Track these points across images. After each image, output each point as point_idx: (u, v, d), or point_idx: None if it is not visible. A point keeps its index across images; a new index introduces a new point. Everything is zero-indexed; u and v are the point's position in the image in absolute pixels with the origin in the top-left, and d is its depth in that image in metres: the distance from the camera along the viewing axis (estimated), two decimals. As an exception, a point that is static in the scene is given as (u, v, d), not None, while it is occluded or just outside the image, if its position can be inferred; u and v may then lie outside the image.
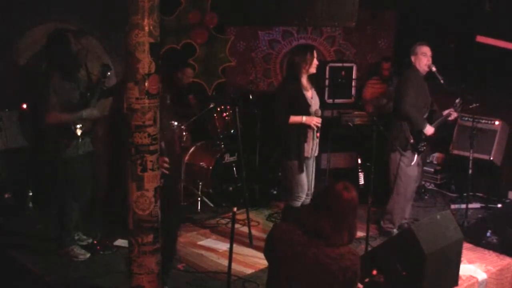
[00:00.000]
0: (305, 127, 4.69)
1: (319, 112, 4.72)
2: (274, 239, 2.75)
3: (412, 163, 5.18)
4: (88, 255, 4.67)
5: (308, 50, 4.77)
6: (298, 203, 4.76)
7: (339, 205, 2.65)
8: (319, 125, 4.69)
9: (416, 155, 5.17)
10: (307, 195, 4.85)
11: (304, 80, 4.74)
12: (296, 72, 4.71)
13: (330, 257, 2.59)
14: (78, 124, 4.43)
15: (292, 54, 4.85)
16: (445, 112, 5.33)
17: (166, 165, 3.79)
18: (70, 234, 4.68)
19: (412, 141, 5.12)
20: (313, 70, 4.73)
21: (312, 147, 4.77)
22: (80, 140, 4.48)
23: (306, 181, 4.79)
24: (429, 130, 5.14)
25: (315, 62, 4.73)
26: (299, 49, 4.96)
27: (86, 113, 4.47)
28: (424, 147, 5.22)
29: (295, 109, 4.67)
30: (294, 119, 4.65)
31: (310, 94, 4.76)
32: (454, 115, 5.36)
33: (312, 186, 4.94)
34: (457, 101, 5.35)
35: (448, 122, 5.51)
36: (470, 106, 5.37)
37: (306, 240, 2.63)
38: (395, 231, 5.33)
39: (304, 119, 4.65)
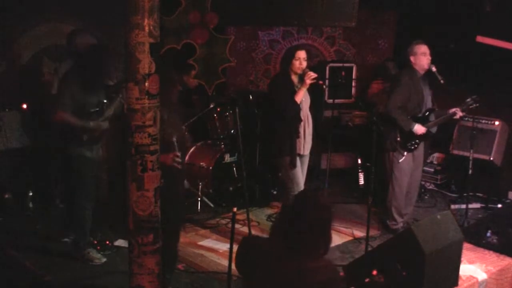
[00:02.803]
0: (297, 123, 4.72)
1: (308, 70, 4.75)
2: (244, 253, 2.62)
3: (400, 160, 5.21)
4: (104, 259, 4.65)
5: (289, 52, 4.85)
6: None
7: (314, 215, 2.47)
8: (315, 75, 4.70)
9: (405, 152, 5.20)
10: None
11: (295, 80, 4.81)
12: (285, 71, 4.80)
13: (307, 271, 2.43)
14: (85, 131, 4.45)
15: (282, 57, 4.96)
16: (451, 110, 5.32)
17: (178, 159, 3.79)
18: (85, 236, 4.65)
19: (398, 139, 5.16)
20: (296, 70, 4.77)
21: (304, 144, 4.80)
22: (85, 145, 4.49)
23: (302, 178, 4.81)
24: (418, 129, 5.14)
25: (297, 64, 4.74)
26: (285, 52, 5.08)
27: (93, 124, 4.48)
28: (416, 145, 5.24)
29: None
30: (298, 96, 4.69)
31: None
32: (459, 114, 5.33)
33: (303, 184, 4.96)
34: (468, 100, 5.32)
35: (452, 121, 5.51)
36: (470, 106, 5.37)
37: (280, 253, 2.47)
38: (400, 228, 5.35)
39: (303, 84, 4.69)
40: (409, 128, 5.13)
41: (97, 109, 4.50)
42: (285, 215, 2.61)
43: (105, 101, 4.54)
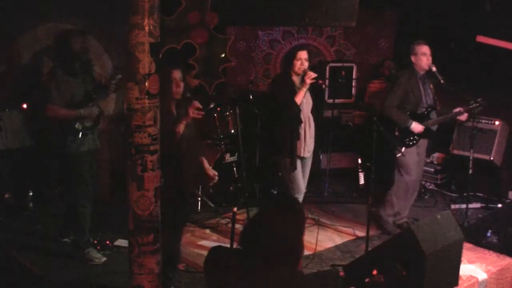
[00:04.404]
0: (298, 124, 4.70)
1: (308, 70, 4.73)
2: (212, 263, 2.49)
3: (398, 155, 5.21)
4: (104, 259, 4.65)
5: (290, 52, 4.82)
6: None
7: (282, 224, 2.34)
8: (315, 75, 4.67)
9: (403, 148, 5.22)
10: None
11: (297, 80, 4.78)
12: (286, 72, 4.78)
13: (275, 281, 2.30)
14: (78, 121, 4.47)
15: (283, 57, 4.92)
16: (456, 110, 5.32)
17: (198, 105, 3.81)
18: (85, 236, 4.66)
19: (396, 133, 5.19)
20: (297, 71, 4.74)
21: (304, 146, 4.79)
22: (80, 135, 4.49)
23: (302, 180, 4.80)
24: (415, 127, 5.17)
25: (297, 64, 4.71)
26: (286, 53, 5.05)
27: (85, 111, 4.50)
28: (414, 141, 5.26)
29: None
30: (298, 96, 4.67)
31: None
32: (464, 116, 5.31)
33: (305, 186, 4.95)
34: (473, 101, 5.32)
35: (457, 121, 5.54)
36: (470, 106, 5.37)
37: (248, 263, 2.34)
38: (391, 220, 5.42)
39: (303, 84, 4.66)
40: (405, 126, 5.16)
41: (85, 98, 4.52)
42: (253, 223, 2.47)
43: (92, 92, 4.55)
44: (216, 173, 4.28)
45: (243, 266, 2.36)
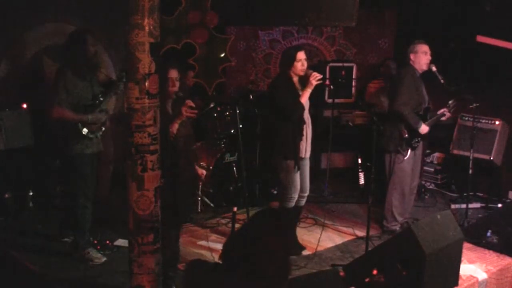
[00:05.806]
0: (301, 125, 4.69)
1: (311, 71, 4.69)
2: (192, 280, 2.37)
3: (405, 158, 5.18)
4: (104, 259, 4.64)
5: (289, 54, 4.78)
6: (291, 204, 4.79)
7: (267, 240, 2.25)
8: (320, 75, 4.63)
9: (409, 150, 5.18)
10: (302, 197, 4.88)
11: (297, 81, 4.75)
12: (286, 74, 4.74)
13: None
14: (84, 125, 4.46)
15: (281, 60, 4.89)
16: (440, 112, 5.34)
17: (191, 104, 3.81)
18: (85, 236, 4.65)
19: (406, 135, 5.14)
20: (299, 73, 4.70)
21: (306, 147, 4.78)
22: (86, 139, 4.49)
23: (299, 180, 4.80)
24: (423, 129, 5.15)
25: (299, 66, 4.67)
26: (283, 53, 5.02)
27: (92, 117, 4.50)
28: (418, 143, 5.24)
29: None
30: (303, 97, 4.63)
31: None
32: (447, 115, 5.37)
33: (308, 188, 4.95)
34: (450, 102, 5.36)
35: (441, 122, 5.53)
36: (470, 106, 5.37)
37: (229, 281, 2.24)
38: (398, 228, 5.34)
39: (309, 85, 4.61)
40: (417, 126, 5.11)
41: (92, 102, 4.51)
42: (237, 239, 2.37)
43: (100, 95, 4.55)
44: (204, 172, 4.35)
45: (225, 282, 2.27)
